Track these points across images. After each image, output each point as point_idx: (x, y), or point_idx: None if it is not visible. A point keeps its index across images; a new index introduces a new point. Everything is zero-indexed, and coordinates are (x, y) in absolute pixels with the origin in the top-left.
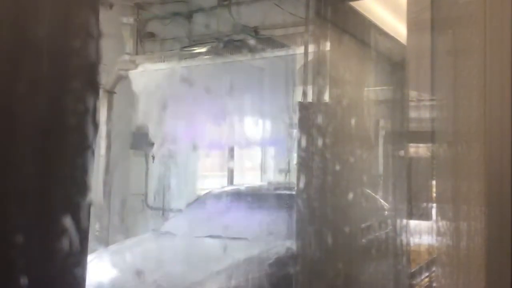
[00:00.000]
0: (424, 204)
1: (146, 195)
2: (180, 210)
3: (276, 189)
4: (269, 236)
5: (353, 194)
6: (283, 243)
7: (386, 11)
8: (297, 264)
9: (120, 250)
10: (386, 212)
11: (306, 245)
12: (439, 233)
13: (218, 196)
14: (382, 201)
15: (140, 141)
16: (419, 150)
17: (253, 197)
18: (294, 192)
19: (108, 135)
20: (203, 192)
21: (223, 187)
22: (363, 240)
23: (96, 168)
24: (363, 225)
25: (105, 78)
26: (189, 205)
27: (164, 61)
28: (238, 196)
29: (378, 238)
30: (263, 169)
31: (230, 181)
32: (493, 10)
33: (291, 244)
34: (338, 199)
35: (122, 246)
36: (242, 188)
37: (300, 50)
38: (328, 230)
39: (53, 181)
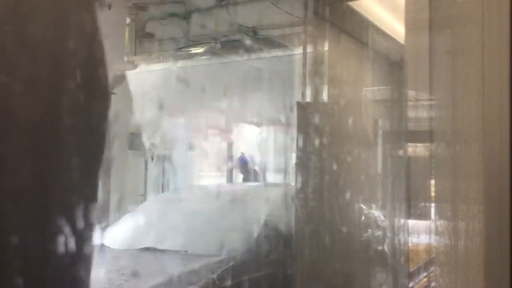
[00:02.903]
0: (423, 204)
1: (145, 195)
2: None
3: (247, 192)
4: (212, 250)
5: (350, 194)
6: (227, 258)
7: (384, 11)
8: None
9: None
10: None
11: (304, 245)
12: (437, 233)
13: (171, 198)
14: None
15: (139, 141)
16: (417, 149)
17: (215, 199)
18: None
19: (107, 136)
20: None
21: (176, 188)
22: (360, 240)
23: None
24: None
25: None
26: (136, 210)
27: (162, 62)
28: (203, 197)
29: (376, 238)
30: (261, 168)
31: (229, 180)
32: (491, 10)
33: (235, 261)
34: (336, 199)
35: None
36: (211, 187)
37: (298, 50)
38: (324, 230)
39: (51, 182)
